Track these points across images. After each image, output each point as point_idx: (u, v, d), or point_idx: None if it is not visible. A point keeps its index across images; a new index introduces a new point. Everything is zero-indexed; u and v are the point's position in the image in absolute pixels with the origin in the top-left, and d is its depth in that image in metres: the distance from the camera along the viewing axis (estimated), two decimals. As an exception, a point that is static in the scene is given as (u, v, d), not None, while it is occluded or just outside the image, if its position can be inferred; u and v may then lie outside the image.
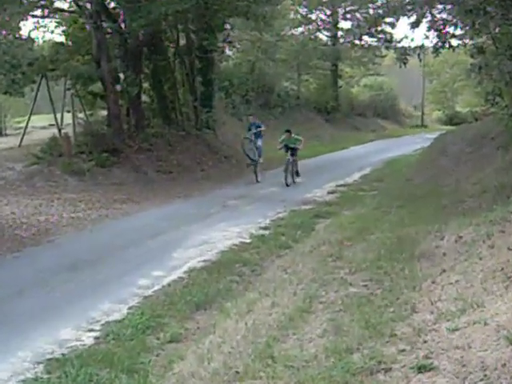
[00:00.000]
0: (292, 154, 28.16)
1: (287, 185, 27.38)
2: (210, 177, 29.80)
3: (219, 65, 41.39)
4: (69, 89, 31.48)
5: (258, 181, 28.86)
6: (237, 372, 7.67)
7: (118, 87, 29.98)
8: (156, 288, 12.94)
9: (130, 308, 11.73)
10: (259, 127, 29.84)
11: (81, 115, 32.13)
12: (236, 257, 15.19)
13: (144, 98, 34.00)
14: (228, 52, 46.80)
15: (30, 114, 32.95)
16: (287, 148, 28.46)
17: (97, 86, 31.97)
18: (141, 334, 10.34)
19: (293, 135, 29.05)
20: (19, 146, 31.28)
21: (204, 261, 14.98)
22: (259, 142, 29.30)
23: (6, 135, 37.37)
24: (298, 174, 28.69)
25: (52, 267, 14.56)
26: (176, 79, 35.46)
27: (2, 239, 17.32)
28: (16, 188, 24.64)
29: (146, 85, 34.34)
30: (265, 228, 18.50)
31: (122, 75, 30.74)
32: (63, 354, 9.62)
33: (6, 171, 26.38)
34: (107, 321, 11.08)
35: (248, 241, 16.94)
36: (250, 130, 30.11)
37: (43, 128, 35.05)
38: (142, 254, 15.69)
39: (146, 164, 29.03)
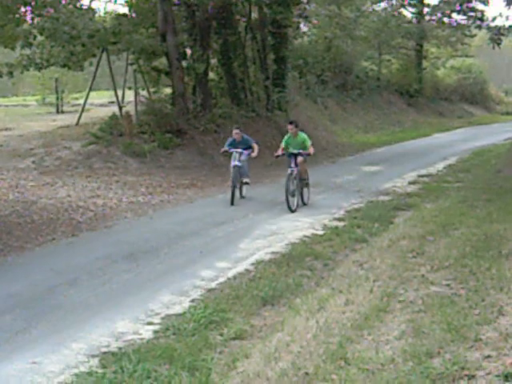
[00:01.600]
0: (296, 164, 20.40)
1: (291, 210, 19.65)
2: (282, 162, 29.78)
3: (293, 41, 41.24)
4: (131, 64, 31.61)
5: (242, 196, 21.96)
6: (306, 373, 7.66)
7: (184, 63, 30.07)
8: (220, 280, 12.99)
9: (191, 301, 11.76)
10: (247, 147, 22.11)
11: (143, 93, 32.27)
12: (307, 249, 15.14)
13: (211, 75, 34.02)
14: (303, 28, 46.65)
15: (89, 91, 33.17)
16: (290, 155, 20.63)
17: (161, 62, 32.05)
18: (203, 329, 10.35)
19: (300, 132, 21.08)
20: (77, 124, 31.63)
21: (272, 253, 14.98)
22: (243, 157, 21.61)
23: (63, 112, 37.84)
24: (307, 186, 21.32)
25: (109, 255, 14.73)
26: (246, 56, 35.42)
27: (57, 223, 17.55)
28: (72, 169, 24.88)
29: (213, 61, 34.33)
30: (339, 219, 18.45)
31: (188, 50, 30.87)
32: (119, 348, 9.70)
33: (63, 151, 26.67)
34: (167, 314, 11.13)
35: (320, 232, 16.90)
36: (232, 146, 21.99)
37: (102, 105, 35.44)
38: (206, 244, 15.78)
39: (212, 147, 29.07)
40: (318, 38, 51.72)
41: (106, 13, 34.60)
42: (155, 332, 10.37)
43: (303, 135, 21.04)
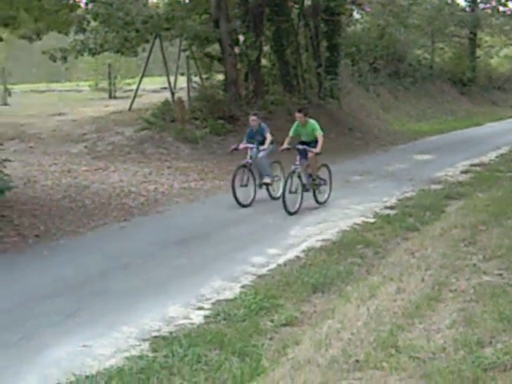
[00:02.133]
0: (305, 156, 18.36)
1: (289, 212, 17.20)
2: (332, 150, 29.64)
3: (346, 29, 41.13)
4: (184, 50, 31.69)
5: None
6: (357, 361, 7.64)
7: (237, 50, 30.07)
8: (271, 267, 12.97)
9: (242, 287, 11.77)
10: (262, 135, 19.32)
11: (196, 79, 32.32)
12: (358, 237, 15.07)
13: (264, 62, 34.00)
14: (356, 15, 46.51)
15: (142, 76, 33.25)
16: (298, 148, 18.37)
17: (214, 48, 32.08)
18: (254, 315, 10.34)
19: (310, 120, 18.48)
20: (129, 109, 31.77)
21: (323, 240, 14.92)
22: (261, 155, 19.00)
23: (116, 98, 38.09)
24: (319, 186, 18.78)
25: (160, 240, 14.79)
26: (299, 43, 35.40)
27: (109, 208, 17.67)
28: (125, 154, 25.05)
29: (266, 48, 34.32)
30: (390, 207, 18.34)
31: (241, 37, 30.87)
32: (170, 332, 9.71)
33: (115, 136, 26.87)
34: (218, 299, 11.14)
35: (371, 220, 16.81)
36: (251, 138, 19.49)
37: (155, 91, 35.56)
38: (257, 230, 15.81)
39: (264, 133, 29.06)
40: (370, 26, 51.51)
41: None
42: (206, 317, 10.36)
43: (313, 123, 18.47)
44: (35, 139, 27.20)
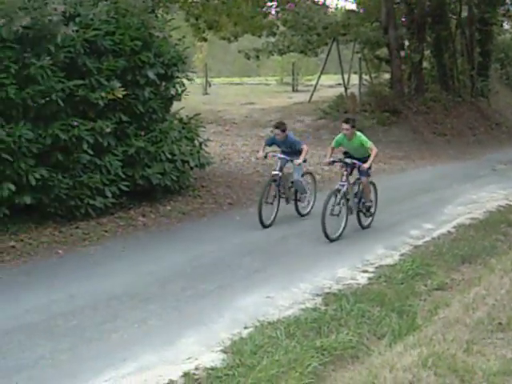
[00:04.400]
0: (351, 173, 13.50)
1: (329, 238, 12.58)
2: (481, 142, 29.08)
3: (497, 37, 40.17)
4: (357, 52, 31.70)
5: None
6: (500, 323, 7.54)
7: (402, 53, 29.90)
8: (426, 239, 12.91)
9: (401, 255, 11.76)
10: (291, 147, 14.30)
11: (366, 77, 32.22)
12: (502, 217, 14.81)
13: (425, 64, 33.64)
14: (506, 26, 45.24)
15: (320, 73, 33.52)
16: (346, 162, 13.35)
17: (383, 51, 31.96)
18: (410, 279, 10.34)
19: (357, 133, 13.38)
20: (309, 101, 32.01)
21: (471, 218, 14.74)
22: (296, 176, 14.33)
23: (298, 91, 38.29)
24: (368, 210, 14.00)
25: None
26: (455, 49, 34.85)
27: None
28: (303, 139, 25.18)
29: (427, 52, 33.95)
30: (532, 192, 17.79)
31: (406, 42, 30.67)
32: (339, 290, 9.79)
33: (296, 123, 27.18)
34: (380, 264, 11.17)
35: (515, 203, 16.38)
36: (274, 145, 14.67)
37: (330, 87, 35.54)
38: (414, 208, 15.66)
39: (423, 125, 28.75)
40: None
41: (337, 8, 34.69)
42: (369, 279, 10.42)
43: (360, 136, 13.24)
44: (230, 124, 27.81)
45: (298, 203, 14.67)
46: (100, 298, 9.29)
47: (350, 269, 10.88)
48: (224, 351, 7.60)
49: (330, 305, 9.13)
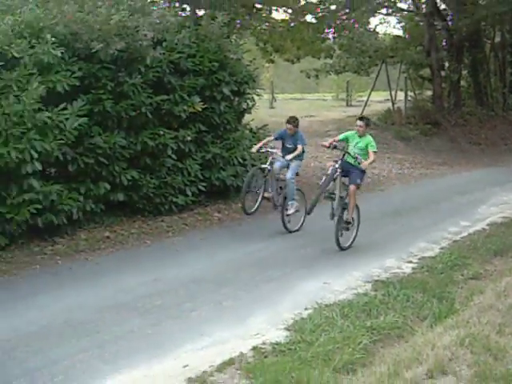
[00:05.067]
0: (348, 183, 11.60)
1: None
2: (510, 151, 28.52)
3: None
4: (403, 72, 31.35)
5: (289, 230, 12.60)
6: (530, 308, 7.46)
7: (443, 73, 29.56)
8: (463, 235, 12.75)
9: (441, 248, 11.63)
10: (294, 144, 12.60)
11: (410, 94, 31.89)
12: (531, 216, 14.53)
13: (462, 82, 33.17)
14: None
15: (371, 90, 33.24)
16: (347, 152, 11.57)
17: (425, 71, 31.58)
18: (449, 269, 10.23)
19: (367, 134, 11.78)
20: (361, 114, 31.78)
21: (503, 217, 14.48)
22: (290, 174, 12.44)
23: (351, 106, 38.08)
24: (348, 225, 11.53)
25: (381, 210, 14.74)
26: (489, 69, 34.29)
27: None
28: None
29: (464, 72, 33.47)
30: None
31: (446, 64, 30.30)
32: (387, 278, 9.76)
33: (348, 133, 27.09)
34: (422, 256, 11.06)
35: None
36: (281, 139, 12.96)
37: (380, 102, 35.15)
38: (452, 208, 15.44)
39: (460, 136, 28.33)
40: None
41: (385, 34, 34.37)
42: (413, 268, 10.36)
43: (370, 138, 11.64)
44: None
45: (285, 211, 12.30)
46: (181, 282, 9.39)
47: (396, 260, 10.82)
48: (287, 329, 7.66)
49: (378, 290, 9.13)
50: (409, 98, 31.25)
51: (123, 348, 7.05)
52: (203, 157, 14.02)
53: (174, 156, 13.17)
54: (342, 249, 11.25)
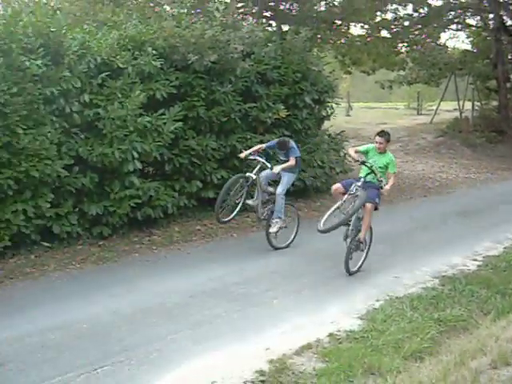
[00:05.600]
0: (365, 198, 9.15)
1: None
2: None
3: None
4: (471, 83, 30.72)
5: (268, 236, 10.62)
6: None
7: (508, 84, 28.72)
8: (525, 236, 12.33)
9: (505, 248, 11.27)
10: (287, 156, 10.69)
11: (477, 104, 31.20)
12: None
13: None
14: None
15: (440, 100, 32.88)
16: (371, 167, 9.41)
17: (492, 83, 30.74)
18: (512, 267, 9.97)
19: (388, 151, 9.74)
20: (430, 122, 31.36)
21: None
22: (280, 189, 10.50)
23: (421, 114, 37.48)
24: (360, 245, 9.46)
25: (447, 211, 14.45)
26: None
27: (414, 187, 17.58)
28: (426, 152, 24.75)
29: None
30: None
31: (511, 76, 29.46)
32: (453, 274, 9.53)
33: (420, 140, 26.82)
34: (487, 255, 10.74)
35: None
36: (271, 150, 11.37)
37: (448, 111, 34.48)
38: (516, 210, 15.00)
39: (524, 144, 27.60)
40: None
41: (454, 48, 33.67)
42: (478, 266, 10.08)
43: (391, 157, 9.62)
44: (366, 139, 27.27)
45: (269, 228, 10.44)
46: (264, 272, 9.41)
47: (462, 257, 10.54)
48: (360, 318, 7.59)
49: (445, 285, 8.93)
50: (476, 108, 30.69)
51: (211, 330, 7.09)
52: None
53: (259, 158, 13.22)
54: (349, 273, 9.26)
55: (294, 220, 11.03)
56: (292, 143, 10.73)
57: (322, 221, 9.11)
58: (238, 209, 10.52)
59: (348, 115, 35.57)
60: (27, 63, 9.30)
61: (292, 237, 10.91)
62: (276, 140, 10.92)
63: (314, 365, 6.25)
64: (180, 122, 11.43)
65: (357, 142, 25.05)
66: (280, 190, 10.43)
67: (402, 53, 27.45)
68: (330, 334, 7.01)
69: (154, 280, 8.86)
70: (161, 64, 11.36)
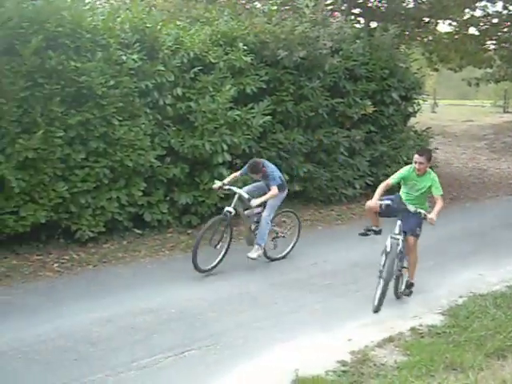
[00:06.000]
0: (404, 230, 7.56)
1: (375, 310, 7.35)
2: None
3: None
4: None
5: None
6: None
7: None
8: None
9: None
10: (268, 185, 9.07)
11: None
12: None
13: None
14: None
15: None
16: (407, 207, 7.62)
17: None
18: None
19: (429, 171, 7.81)
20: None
21: None
22: (266, 214, 9.04)
23: (508, 112, 36.43)
24: (408, 286, 7.92)
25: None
26: None
27: (500, 185, 17.20)
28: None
29: None
30: None
31: None
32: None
33: (507, 138, 26.15)
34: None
35: None
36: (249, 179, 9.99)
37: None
38: None
39: None
40: None
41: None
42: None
43: (434, 177, 7.80)
44: (452, 136, 27.00)
45: (248, 253, 8.93)
46: (346, 265, 9.37)
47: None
48: (442, 314, 7.47)
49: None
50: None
51: (295, 320, 7.11)
52: (371, 154, 14.05)
53: (345, 153, 13.30)
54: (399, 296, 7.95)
55: (294, 229, 9.91)
56: (266, 164, 9.15)
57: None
58: (222, 254, 8.83)
59: (434, 112, 34.86)
60: (124, 57, 9.56)
61: (289, 248, 9.78)
62: (247, 164, 9.12)
63: (396, 357, 6.17)
64: (269, 116, 11.47)
65: (442, 139, 24.65)
66: (266, 213, 9.05)
67: (489, 50, 26.68)
68: (412, 328, 6.92)
69: (240, 268, 8.92)
70: (251, 59, 11.41)
